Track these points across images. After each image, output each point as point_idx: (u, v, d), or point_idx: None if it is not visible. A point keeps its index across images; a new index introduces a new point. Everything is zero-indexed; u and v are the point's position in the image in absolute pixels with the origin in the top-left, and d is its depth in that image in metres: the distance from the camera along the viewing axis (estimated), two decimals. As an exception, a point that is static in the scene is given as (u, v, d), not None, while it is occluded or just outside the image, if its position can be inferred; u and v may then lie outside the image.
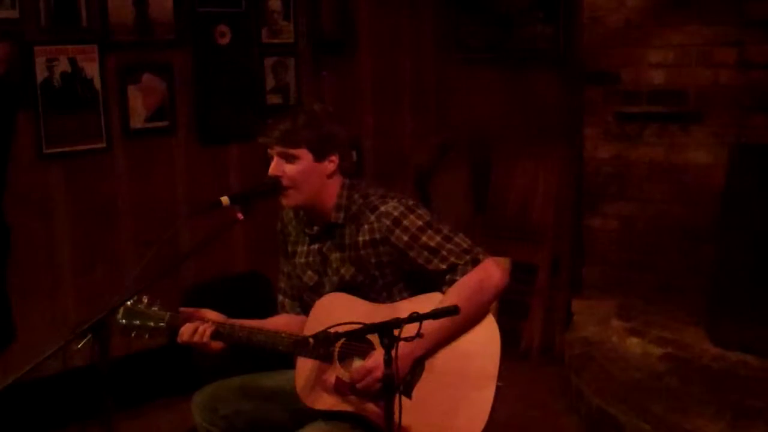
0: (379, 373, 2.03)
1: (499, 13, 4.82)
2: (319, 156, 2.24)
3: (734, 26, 3.67)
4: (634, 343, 3.71)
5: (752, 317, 3.42)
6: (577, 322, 4.07)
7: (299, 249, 2.40)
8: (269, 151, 2.25)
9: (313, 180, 2.24)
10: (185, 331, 2.23)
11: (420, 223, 2.22)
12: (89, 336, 1.82)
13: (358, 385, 2.10)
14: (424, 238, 2.20)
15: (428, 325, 2.01)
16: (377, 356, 2.05)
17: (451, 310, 1.91)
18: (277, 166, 2.23)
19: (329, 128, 2.25)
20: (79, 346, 1.83)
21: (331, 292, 2.30)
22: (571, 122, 4.33)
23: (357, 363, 2.17)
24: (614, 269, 4.18)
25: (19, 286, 3.37)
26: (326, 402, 2.17)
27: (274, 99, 4.33)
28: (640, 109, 3.99)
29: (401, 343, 1.95)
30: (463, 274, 2.17)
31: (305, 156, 2.22)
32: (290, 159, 2.22)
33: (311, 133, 2.21)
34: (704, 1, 3.75)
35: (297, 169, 2.22)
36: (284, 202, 2.27)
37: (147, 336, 2.28)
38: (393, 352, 1.87)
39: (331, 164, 2.26)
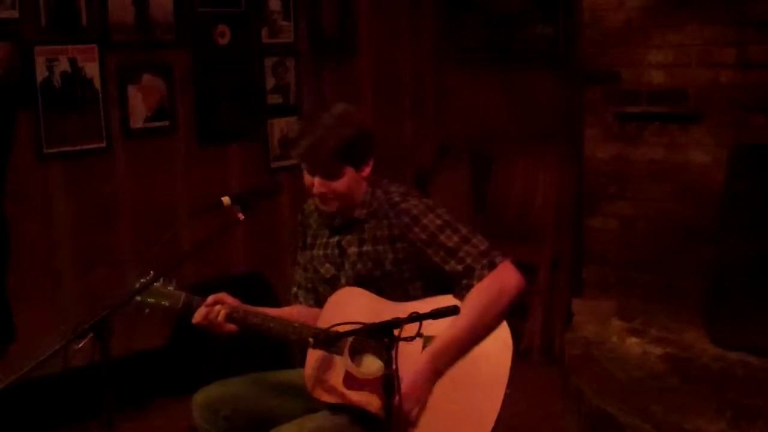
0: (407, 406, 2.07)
1: (498, 13, 4.82)
2: (359, 166, 2.26)
3: (734, 26, 3.66)
4: (634, 343, 3.71)
5: (752, 317, 3.42)
6: (577, 322, 4.07)
7: (318, 241, 2.41)
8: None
9: (357, 186, 2.28)
10: (200, 311, 2.24)
11: (439, 222, 2.22)
12: (90, 336, 1.82)
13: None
14: (442, 238, 2.21)
15: (447, 337, 2.10)
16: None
17: (451, 310, 1.91)
18: (322, 185, 2.24)
19: (362, 136, 2.26)
20: (80, 345, 1.83)
21: (347, 286, 2.30)
22: (571, 122, 4.33)
23: (367, 359, 2.18)
24: (614, 269, 4.18)
25: (19, 286, 3.37)
26: (333, 395, 2.17)
27: (274, 99, 4.33)
28: (640, 109, 3.98)
29: (428, 369, 2.04)
30: (480, 278, 2.17)
31: (348, 171, 2.24)
32: (334, 177, 2.23)
33: (349, 151, 2.22)
34: (704, 1, 3.75)
35: (343, 184, 2.24)
36: (324, 206, 2.29)
37: (161, 314, 2.28)
38: (393, 352, 1.87)
39: (368, 168, 2.29)
